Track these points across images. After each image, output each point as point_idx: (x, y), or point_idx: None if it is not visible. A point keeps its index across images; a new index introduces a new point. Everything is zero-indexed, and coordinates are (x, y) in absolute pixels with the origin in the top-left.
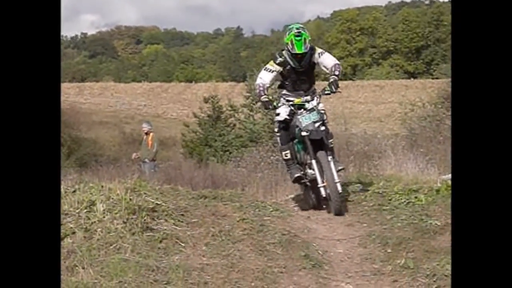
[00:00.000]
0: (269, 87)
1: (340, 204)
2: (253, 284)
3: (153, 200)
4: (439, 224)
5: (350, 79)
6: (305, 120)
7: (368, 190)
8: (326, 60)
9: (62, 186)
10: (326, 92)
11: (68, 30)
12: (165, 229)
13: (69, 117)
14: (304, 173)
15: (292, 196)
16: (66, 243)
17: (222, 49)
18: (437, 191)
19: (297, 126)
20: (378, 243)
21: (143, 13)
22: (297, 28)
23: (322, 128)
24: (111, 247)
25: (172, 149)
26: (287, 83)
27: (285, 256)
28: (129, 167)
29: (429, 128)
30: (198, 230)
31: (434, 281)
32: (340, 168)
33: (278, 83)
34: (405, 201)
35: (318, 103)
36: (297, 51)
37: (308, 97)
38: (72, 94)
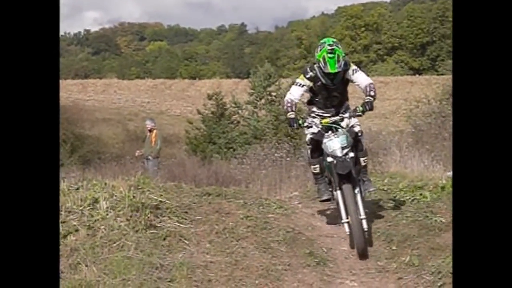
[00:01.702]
0: (298, 102)
1: (364, 245)
2: (257, 281)
3: (156, 198)
4: (444, 221)
5: None
6: (332, 144)
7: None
8: (360, 79)
9: (65, 184)
10: (358, 113)
11: (71, 27)
12: (169, 227)
13: (72, 114)
14: (333, 195)
15: (297, 193)
16: (69, 241)
17: (225, 46)
18: (442, 188)
19: (324, 150)
20: (383, 240)
21: (146, 9)
22: (329, 44)
23: (351, 154)
24: (115, 244)
25: (175, 146)
26: (317, 99)
27: (289, 253)
28: (133, 164)
29: (434, 124)
30: (202, 228)
31: (439, 278)
32: (371, 189)
33: (308, 98)
34: (410, 198)
35: (347, 124)
36: (330, 71)
37: (337, 118)
38: (75, 91)
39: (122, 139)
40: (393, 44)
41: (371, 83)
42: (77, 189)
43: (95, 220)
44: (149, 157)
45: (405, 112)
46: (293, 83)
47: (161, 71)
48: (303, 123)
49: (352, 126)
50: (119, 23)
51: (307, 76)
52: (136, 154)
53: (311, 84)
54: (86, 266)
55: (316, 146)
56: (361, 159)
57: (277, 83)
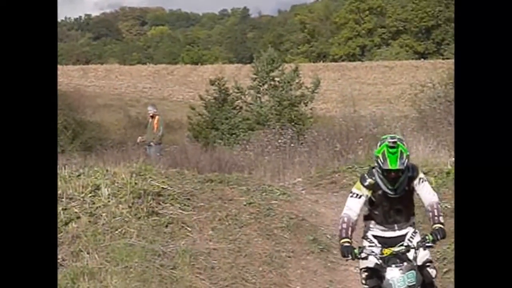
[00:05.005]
0: (356, 220)
1: None
2: (260, 268)
3: (158, 184)
4: (449, 207)
5: (359, 60)
6: (397, 283)
7: None
8: (424, 192)
9: (66, 171)
10: (428, 243)
11: (72, 11)
12: (171, 214)
13: (73, 100)
14: None
15: (300, 179)
16: (71, 228)
17: (228, 30)
18: (447, 173)
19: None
20: None
21: None
22: (391, 137)
23: None
24: (117, 231)
25: (178, 132)
26: (376, 213)
27: (293, 240)
28: (135, 150)
29: (439, 109)
30: (205, 215)
31: (445, 264)
32: None
33: (365, 212)
34: None
35: (415, 258)
36: (390, 167)
37: (403, 248)
38: (77, 77)
39: (124, 125)
40: (397, 28)
41: (438, 203)
42: (79, 176)
43: (97, 207)
44: (151, 144)
45: (410, 97)
46: (349, 194)
47: (162, 56)
48: (359, 253)
49: (425, 265)
50: (120, 7)
51: (365, 183)
52: (138, 140)
53: (369, 194)
54: (88, 253)
55: (374, 282)
56: None
57: (280, 68)
